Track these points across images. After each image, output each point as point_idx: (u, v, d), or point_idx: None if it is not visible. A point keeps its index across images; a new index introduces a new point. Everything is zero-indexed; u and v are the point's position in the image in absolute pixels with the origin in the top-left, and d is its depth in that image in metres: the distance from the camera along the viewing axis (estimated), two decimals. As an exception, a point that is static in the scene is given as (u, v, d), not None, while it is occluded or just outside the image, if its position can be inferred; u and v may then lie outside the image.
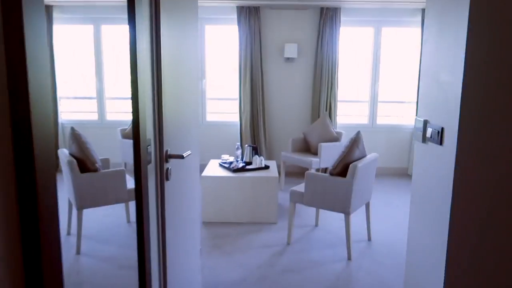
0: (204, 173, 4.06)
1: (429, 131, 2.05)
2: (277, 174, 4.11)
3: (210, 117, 6.26)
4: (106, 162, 3.29)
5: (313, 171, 4.89)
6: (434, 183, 2.01)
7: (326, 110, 5.87)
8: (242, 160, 4.49)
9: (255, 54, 5.77)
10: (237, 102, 5.98)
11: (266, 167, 4.33)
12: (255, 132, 5.95)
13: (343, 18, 5.84)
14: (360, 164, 3.20)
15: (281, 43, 5.95)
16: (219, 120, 6.24)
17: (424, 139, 2.12)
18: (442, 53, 1.95)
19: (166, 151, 1.63)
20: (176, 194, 1.80)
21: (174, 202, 1.77)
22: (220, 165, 4.41)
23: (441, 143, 1.93)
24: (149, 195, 1.47)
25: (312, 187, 3.36)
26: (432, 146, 2.03)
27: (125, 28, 1.22)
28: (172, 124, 1.71)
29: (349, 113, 6.35)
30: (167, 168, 1.64)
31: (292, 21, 5.92)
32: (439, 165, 1.96)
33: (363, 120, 6.25)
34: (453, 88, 1.82)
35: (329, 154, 4.97)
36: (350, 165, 3.19)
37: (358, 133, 3.35)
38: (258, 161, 4.34)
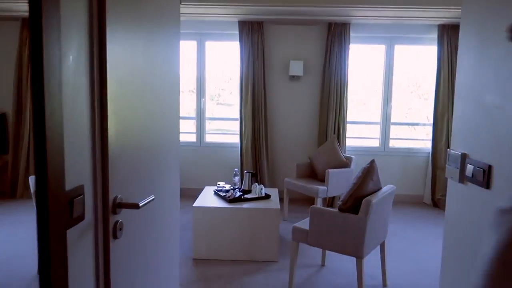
0: (196, 203, 3.59)
1: (469, 168, 1.58)
2: (278, 205, 3.63)
3: (209, 138, 5.83)
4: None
5: (319, 201, 4.42)
6: (477, 236, 1.53)
7: (334, 133, 5.41)
8: (239, 188, 4.02)
9: (257, 72, 5.38)
10: (238, 122, 5.56)
11: (267, 197, 3.86)
12: (257, 156, 5.50)
13: (352, 34, 5.44)
14: (374, 199, 2.72)
15: (286, 60, 5.56)
16: (220, 142, 5.81)
17: (462, 179, 1.65)
18: (487, 69, 1.49)
19: (115, 198, 1.18)
20: (134, 254, 1.35)
21: (130, 265, 1.32)
22: (215, 193, 3.95)
23: (487, 186, 1.46)
24: (80, 264, 1.02)
25: (318, 225, 2.88)
26: (473, 188, 1.56)
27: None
28: (127, 160, 1.27)
29: (359, 136, 5.89)
30: (117, 222, 1.19)
31: (297, 37, 5.54)
32: (485, 215, 1.48)
33: (374, 143, 5.78)
34: (506, 114, 1.36)
35: (337, 182, 4.49)
36: (363, 201, 2.71)
37: (372, 162, 2.89)
38: (257, 189, 3.87)
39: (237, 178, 4.02)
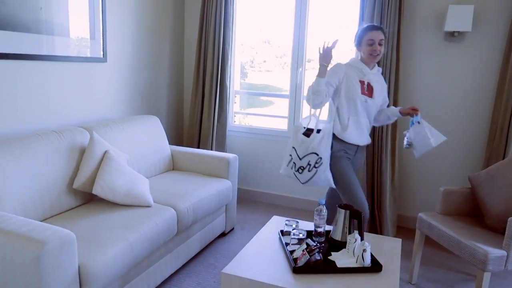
0: (231, 264, 1.86)
1: None
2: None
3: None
4: None
5: (487, 276, 2.15)
6: None
7: (523, 136, 3.00)
8: (322, 238, 2.13)
9: (388, 26, 3.25)
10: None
11: (374, 268, 1.90)
12: (375, 163, 3.44)
13: None
14: None
15: (440, 4, 3.28)
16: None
17: None
18: None
19: None
20: None
21: None
22: (280, 237, 2.17)
23: None
24: None
25: None
26: None
27: None
28: None
29: None
30: None
31: (467, -35, 3.19)
32: None
33: None
34: None
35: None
36: None
37: None
38: (356, 249, 1.94)
39: (320, 217, 2.14)
